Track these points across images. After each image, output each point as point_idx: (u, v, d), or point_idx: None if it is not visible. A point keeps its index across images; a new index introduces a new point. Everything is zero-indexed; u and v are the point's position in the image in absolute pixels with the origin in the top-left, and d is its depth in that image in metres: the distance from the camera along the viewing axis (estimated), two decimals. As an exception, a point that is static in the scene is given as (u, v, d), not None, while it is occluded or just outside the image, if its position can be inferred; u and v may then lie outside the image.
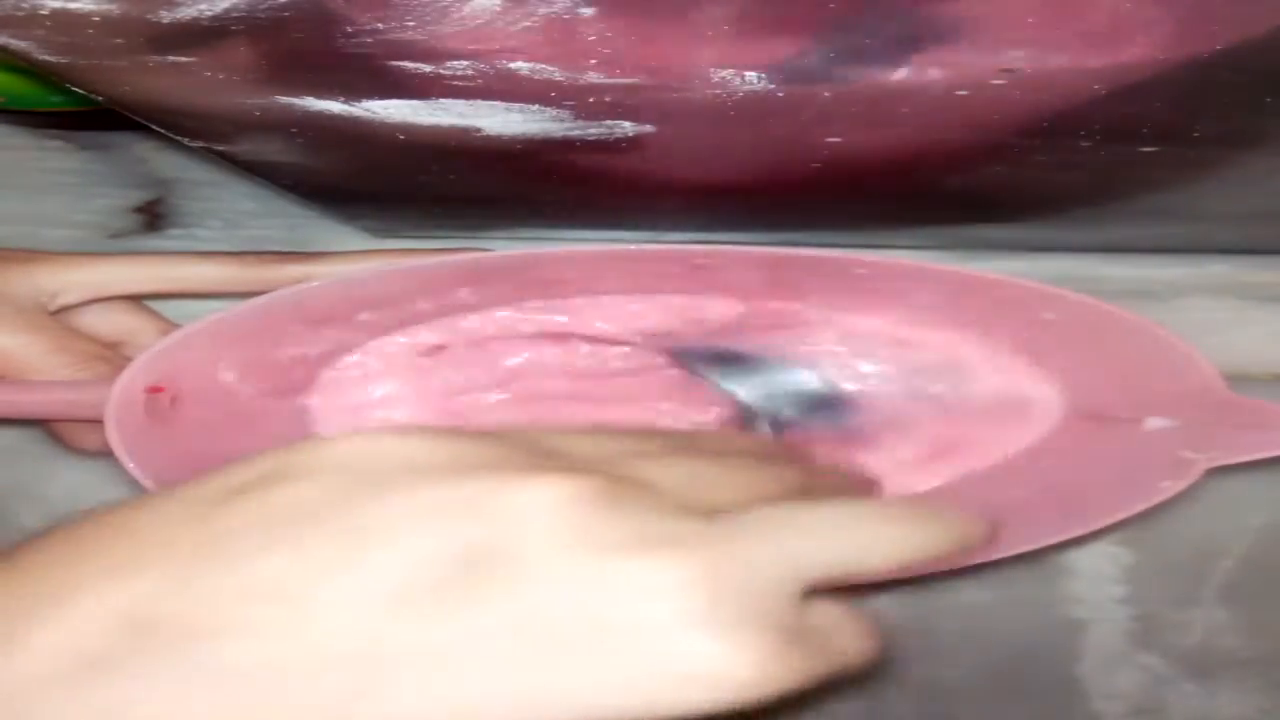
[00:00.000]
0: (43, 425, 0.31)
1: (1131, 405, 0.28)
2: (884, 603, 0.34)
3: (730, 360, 0.31)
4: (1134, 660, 0.33)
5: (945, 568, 0.19)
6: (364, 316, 0.29)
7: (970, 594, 0.33)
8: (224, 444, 0.29)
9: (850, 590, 0.19)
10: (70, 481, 0.34)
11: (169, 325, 0.32)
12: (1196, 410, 0.27)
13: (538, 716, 0.16)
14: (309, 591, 0.16)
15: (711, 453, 0.21)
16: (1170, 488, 0.27)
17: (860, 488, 0.26)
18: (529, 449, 0.19)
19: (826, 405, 0.31)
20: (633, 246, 0.28)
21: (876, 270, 0.27)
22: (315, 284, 0.27)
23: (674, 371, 0.31)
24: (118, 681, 0.16)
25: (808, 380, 0.31)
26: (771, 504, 0.19)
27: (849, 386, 0.30)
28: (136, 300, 0.31)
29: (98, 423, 0.26)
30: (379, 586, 0.16)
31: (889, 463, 0.30)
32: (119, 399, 0.26)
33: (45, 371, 0.28)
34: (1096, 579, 0.33)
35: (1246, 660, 0.33)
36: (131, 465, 0.26)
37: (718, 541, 0.17)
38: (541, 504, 0.17)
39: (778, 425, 0.31)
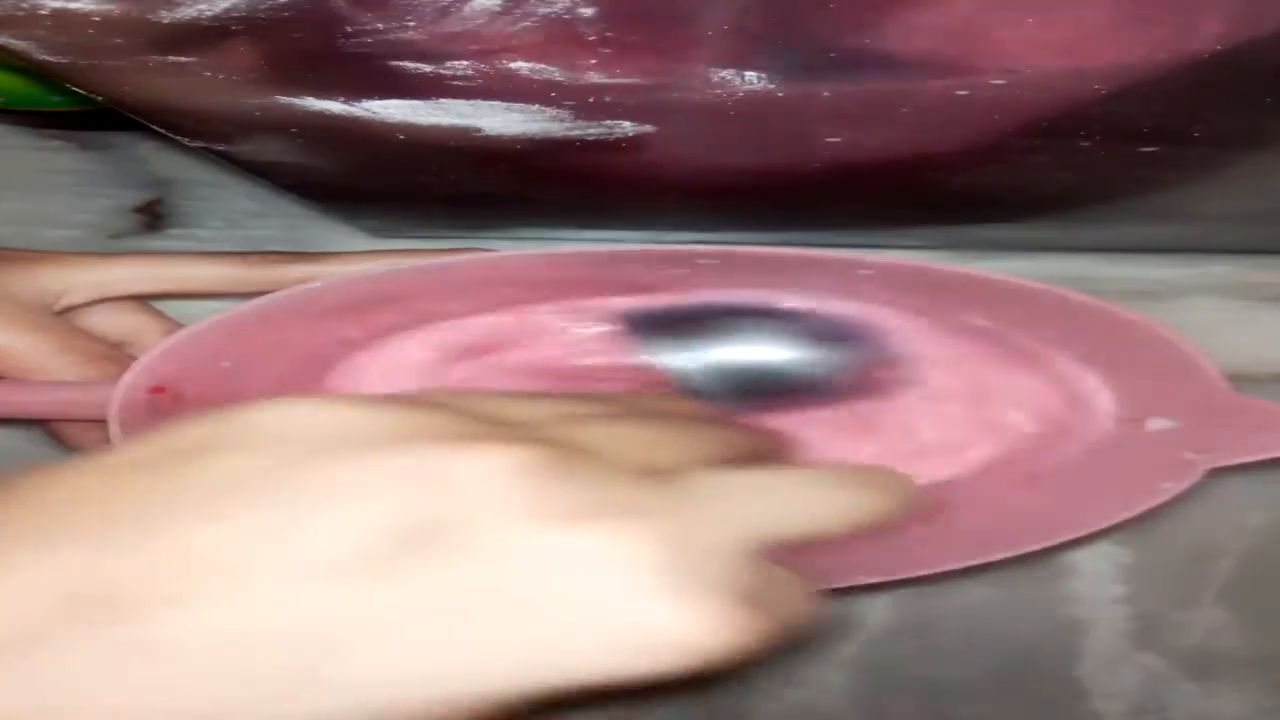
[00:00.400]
0: (44, 425, 0.31)
1: (1133, 405, 0.28)
2: (884, 602, 0.34)
3: (681, 321, 0.31)
4: (1134, 660, 0.33)
5: (884, 532, 0.20)
6: (367, 317, 0.29)
7: (970, 594, 0.33)
8: None
9: (795, 554, 0.19)
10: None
11: (173, 325, 0.32)
12: (1198, 411, 0.27)
13: (492, 686, 0.16)
14: (249, 563, 0.16)
15: (648, 415, 0.21)
16: (1171, 489, 0.27)
17: (786, 451, 0.26)
18: (468, 415, 0.18)
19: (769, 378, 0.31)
20: (637, 246, 0.28)
21: (880, 270, 0.27)
22: (318, 284, 0.27)
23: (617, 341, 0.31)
24: (53, 655, 0.15)
25: (755, 351, 0.31)
26: (714, 467, 0.19)
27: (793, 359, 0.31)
28: (141, 300, 0.32)
29: (100, 423, 0.26)
30: (321, 557, 0.16)
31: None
32: (122, 399, 0.26)
33: (51, 371, 0.28)
34: (1096, 579, 0.33)
35: (1246, 660, 0.33)
36: None
37: (669, 508, 0.17)
38: (489, 473, 0.17)
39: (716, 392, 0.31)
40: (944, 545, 0.29)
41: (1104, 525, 0.28)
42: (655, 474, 0.18)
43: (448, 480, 0.17)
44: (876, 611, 0.34)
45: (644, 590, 0.16)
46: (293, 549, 0.16)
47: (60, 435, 0.31)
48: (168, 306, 0.32)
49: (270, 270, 0.30)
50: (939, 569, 0.28)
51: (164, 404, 0.27)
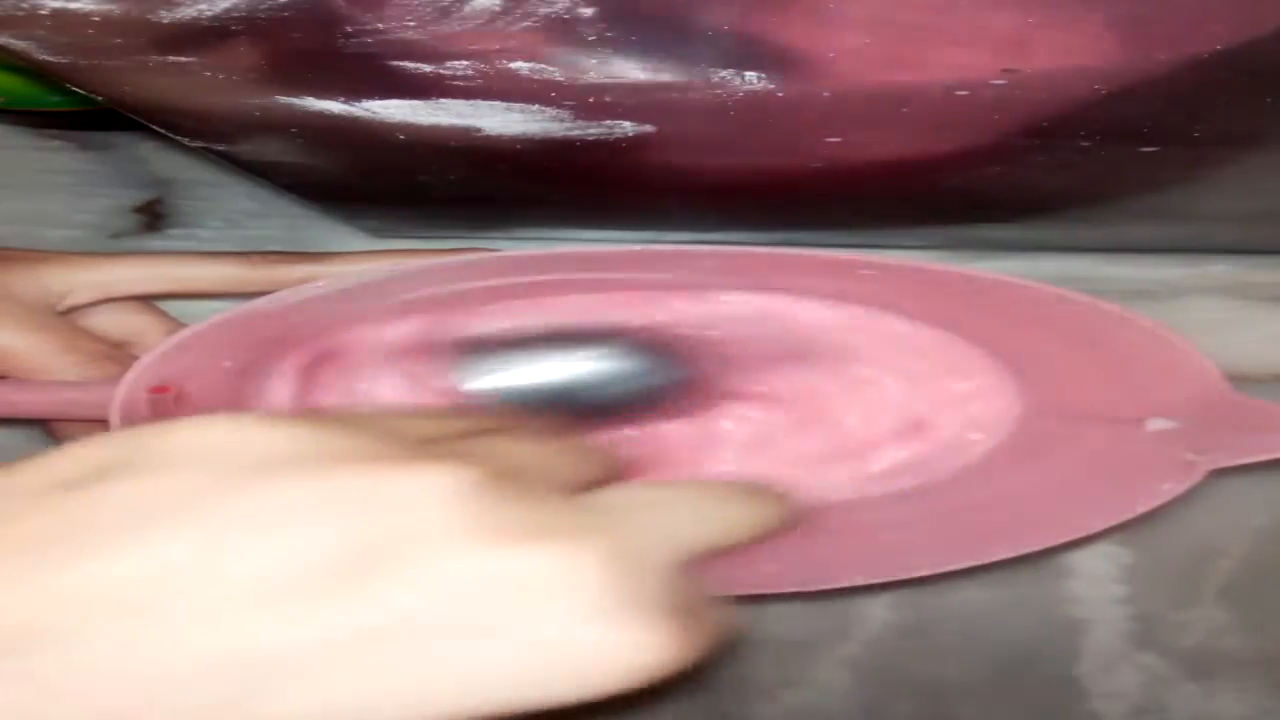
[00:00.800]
0: (43, 425, 0.31)
1: (1133, 406, 0.28)
2: (884, 602, 0.34)
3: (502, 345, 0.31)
4: (1134, 660, 0.33)
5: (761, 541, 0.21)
6: (369, 316, 0.29)
7: (970, 594, 0.33)
8: None
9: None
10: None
11: (177, 325, 0.32)
12: (1199, 411, 0.27)
13: (438, 711, 0.16)
14: (166, 592, 0.15)
15: (519, 432, 0.21)
16: (1171, 490, 0.27)
17: (627, 466, 0.25)
18: (382, 433, 0.18)
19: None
20: (638, 246, 0.28)
21: (881, 270, 0.27)
22: (319, 284, 0.27)
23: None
24: None
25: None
26: (618, 485, 0.19)
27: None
28: (145, 300, 0.32)
29: (101, 423, 0.26)
30: (249, 585, 0.15)
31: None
32: (123, 399, 0.26)
33: (54, 371, 0.28)
34: (1096, 579, 0.33)
35: (1246, 660, 0.33)
36: None
37: (602, 525, 0.17)
38: (426, 494, 0.16)
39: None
40: (943, 546, 0.29)
41: (1105, 526, 0.28)
42: (574, 489, 0.18)
43: (383, 501, 0.16)
44: (876, 611, 0.34)
45: (588, 611, 0.16)
46: (217, 576, 0.15)
47: (60, 435, 0.31)
48: (170, 306, 0.32)
49: (273, 270, 0.30)
50: (939, 570, 0.28)
51: (165, 404, 0.27)
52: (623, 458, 0.23)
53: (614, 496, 0.19)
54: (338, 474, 0.16)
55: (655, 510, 0.19)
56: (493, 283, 0.29)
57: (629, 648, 0.16)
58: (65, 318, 0.29)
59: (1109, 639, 0.33)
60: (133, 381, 0.26)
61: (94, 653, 0.15)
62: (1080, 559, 0.33)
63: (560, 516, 0.17)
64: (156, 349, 0.26)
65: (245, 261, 0.30)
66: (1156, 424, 0.28)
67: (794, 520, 0.22)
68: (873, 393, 0.31)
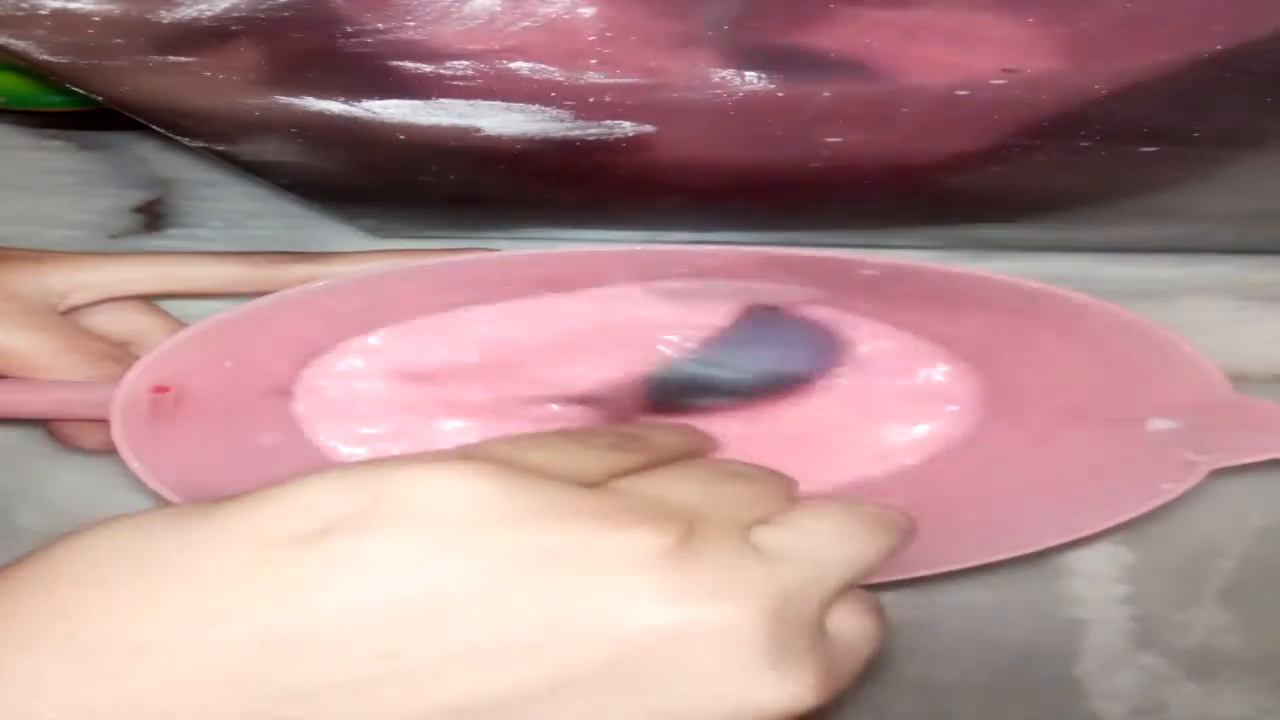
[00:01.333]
0: (43, 424, 0.31)
1: (1135, 406, 0.28)
2: (884, 602, 0.34)
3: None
4: (1134, 660, 0.33)
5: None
6: (370, 317, 0.29)
7: (970, 594, 0.33)
8: (225, 443, 0.29)
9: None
10: (70, 482, 0.34)
11: (178, 325, 0.32)
12: (1200, 411, 0.27)
13: None
14: (410, 645, 0.17)
15: (666, 453, 0.24)
16: (1172, 490, 0.27)
17: (701, 447, 0.28)
18: (570, 479, 0.20)
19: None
20: (638, 246, 0.28)
21: (884, 272, 0.27)
22: (321, 284, 0.27)
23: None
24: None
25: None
26: (782, 520, 0.21)
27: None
28: (146, 300, 0.32)
29: (101, 422, 0.26)
30: (471, 646, 0.18)
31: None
32: (124, 399, 0.26)
33: (56, 371, 0.28)
34: (1096, 579, 0.33)
35: (1246, 660, 0.33)
36: (136, 465, 0.26)
37: (770, 581, 0.19)
38: (629, 555, 0.18)
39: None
40: (941, 546, 0.29)
41: (1105, 526, 0.28)
42: (752, 534, 0.20)
43: (590, 563, 0.18)
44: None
45: (752, 664, 0.18)
46: (449, 632, 0.18)
47: (60, 435, 0.31)
48: (171, 306, 0.32)
49: (275, 270, 0.30)
50: (937, 570, 0.28)
51: (166, 404, 0.27)
52: (686, 436, 0.26)
53: (777, 539, 0.20)
54: (551, 533, 0.18)
55: (810, 554, 0.20)
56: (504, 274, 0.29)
57: (781, 696, 0.19)
58: (66, 317, 0.29)
59: (1109, 639, 0.33)
60: (133, 381, 0.26)
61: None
62: (1080, 559, 0.33)
63: (732, 574, 0.19)
64: (157, 349, 0.26)
65: (247, 261, 0.30)
66: (1157, 424, 0.28)
67: (910, 541, 0.24)
68: (868, 391, 0.31)
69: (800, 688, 0.19)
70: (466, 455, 0.19)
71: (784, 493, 0.23)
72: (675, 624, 0.18)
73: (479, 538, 0.18)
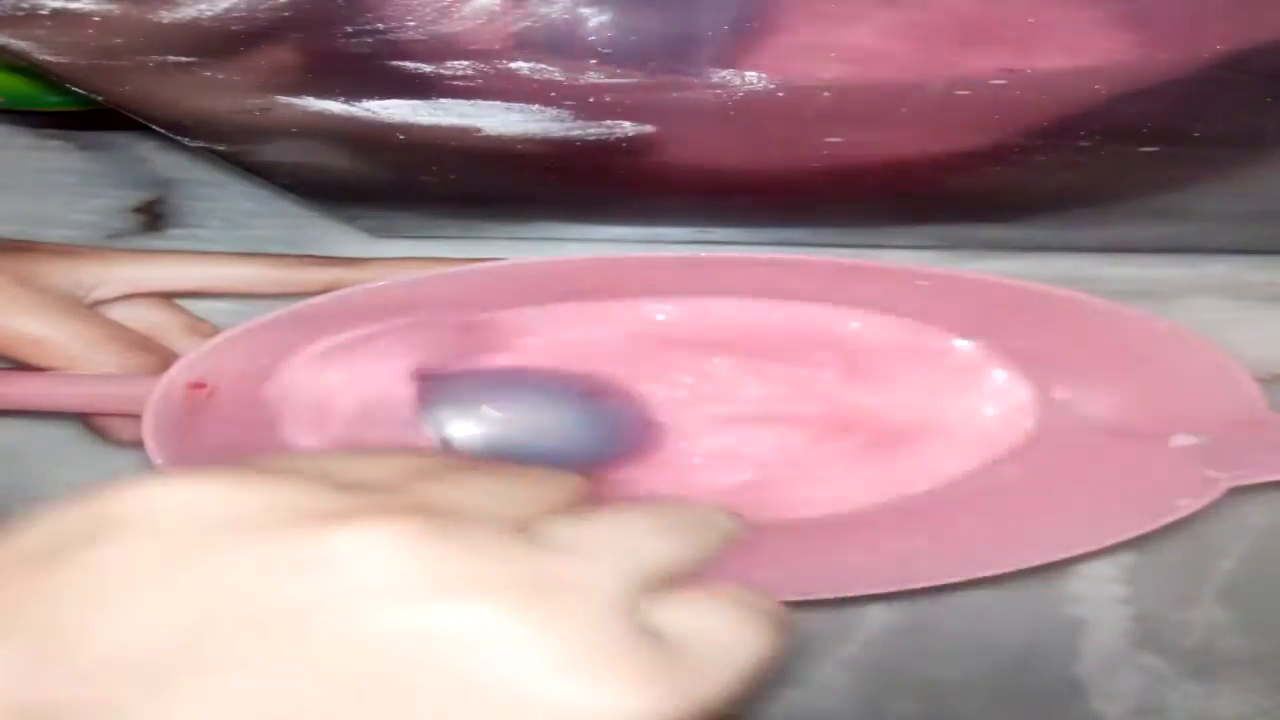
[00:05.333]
0: (84, 419, 0.31)
1: (1162, 421, 0.27)
2: (884, 602, 0.34)
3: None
4: (1134, 660, 0.33)
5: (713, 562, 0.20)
6: (402, 322, 0.29)
7: (970, 594, 0.33)
8: (255, 445, 0.29)
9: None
10: (70, 482, 0.34)
11: (195, 321, 0.32)
12: (1227, 427, 0.26)
13: None
14: (164, 659, 0.15)
15: (479, 469, 0.20)
16: (1188, 505, 0.26)
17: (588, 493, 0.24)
18: (330, 482, 0.18)
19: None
20: (639, 253, 0.28)
21: (886, 274, 0.27)
22: (357, 289, 0.26)
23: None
24: None
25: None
26: (567, 515, 0.19)
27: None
28: (165, 297, 0.32)
29: (137, 417, 0.27)
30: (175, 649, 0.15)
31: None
32: (160, 395, 0.26)
33: (90, 361, 0.28)
34: (1096, 579, 0.33)
35: (1246, 660, 0.33)
36: (161, 461, 0.26)
37: (554, 574, 0.17)
38: (369, 549, 0.16)
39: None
40: (952, 557, 0.28)
41: (1115, 541, 0.27)
42: (527, 528, 0.18)
43: (323, 563, 0.16)
44: (876, 612, 0.34)
45: (549, 669, 0.16)
46: (171, 646, 0.15)
47: (99, 428, 0.31)
48: (184, 302, 0.33)
49: (304, 273, 0.30)
50: (947, 580, 0.28)
51: (198, 399, 0.27)
52: (583, 485, 0.22)
53: (567, 531, 0.18)
54: (278, 537, 0.16)
55: (616, 542, 0.18)
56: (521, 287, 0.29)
57: (593, 705, 0.16)
58: (94, 310, 0.30)
59: (1109, 639, 0.33)
60: (173, 377, 0.26)
61: None
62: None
63: (511, 563, 0.17)
64: (201, 346, 0.26)
65: (276, 263, 0.30)
66: (1182, 440, 0.27)
67: (741, 539, 0.21)
68: (885, 399, 0.31)
69: (618, 692, 0.16)
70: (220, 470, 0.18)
71: (575, 493, 0.21)
72: (429, 620, 0.16)
73: (200, 548, 0.16)
